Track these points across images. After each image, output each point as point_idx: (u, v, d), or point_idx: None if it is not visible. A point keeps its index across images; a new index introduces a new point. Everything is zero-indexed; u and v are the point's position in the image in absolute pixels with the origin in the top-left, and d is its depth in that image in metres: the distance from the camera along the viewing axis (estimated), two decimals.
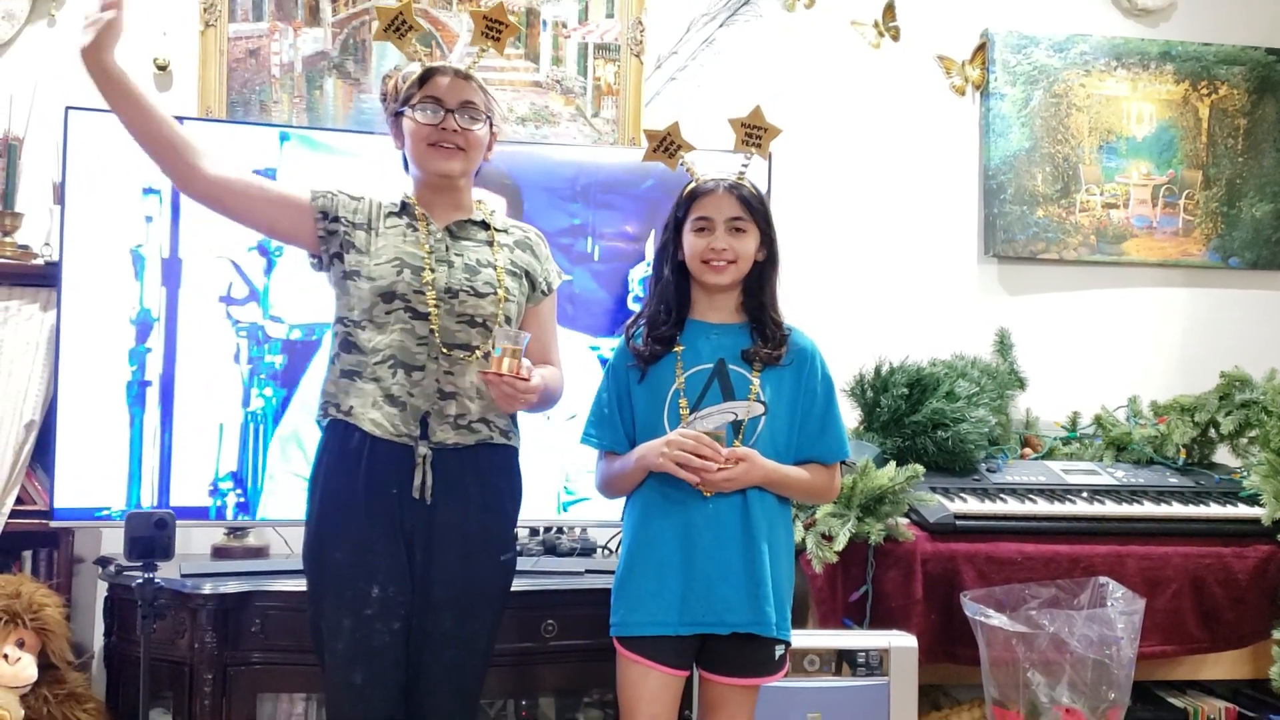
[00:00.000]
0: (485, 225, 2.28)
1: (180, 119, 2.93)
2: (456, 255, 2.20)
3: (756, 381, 2.17)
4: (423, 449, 2.12)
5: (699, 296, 2.25)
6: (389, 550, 2.11)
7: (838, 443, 2.25)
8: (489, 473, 2.20)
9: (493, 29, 2.26)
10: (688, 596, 2.13)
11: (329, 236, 2.21)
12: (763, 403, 2.17)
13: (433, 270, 2.17)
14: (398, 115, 2.23)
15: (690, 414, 2.17)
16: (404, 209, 2.24)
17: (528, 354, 2.26)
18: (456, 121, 2.18)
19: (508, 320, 2.23)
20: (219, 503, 2.91)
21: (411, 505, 2.12)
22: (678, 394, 2.18)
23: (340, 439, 2.15)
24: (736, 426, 2.16)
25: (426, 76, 2.20)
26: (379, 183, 2.31)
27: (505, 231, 2.31)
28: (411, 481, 2.12)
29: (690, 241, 2.20)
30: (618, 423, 2.25)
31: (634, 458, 2.19)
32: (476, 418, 2.17)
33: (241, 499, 2.92)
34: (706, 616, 2.13)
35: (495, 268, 2.23)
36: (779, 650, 2.19)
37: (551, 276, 2.35)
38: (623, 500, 2.29)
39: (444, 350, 2.15)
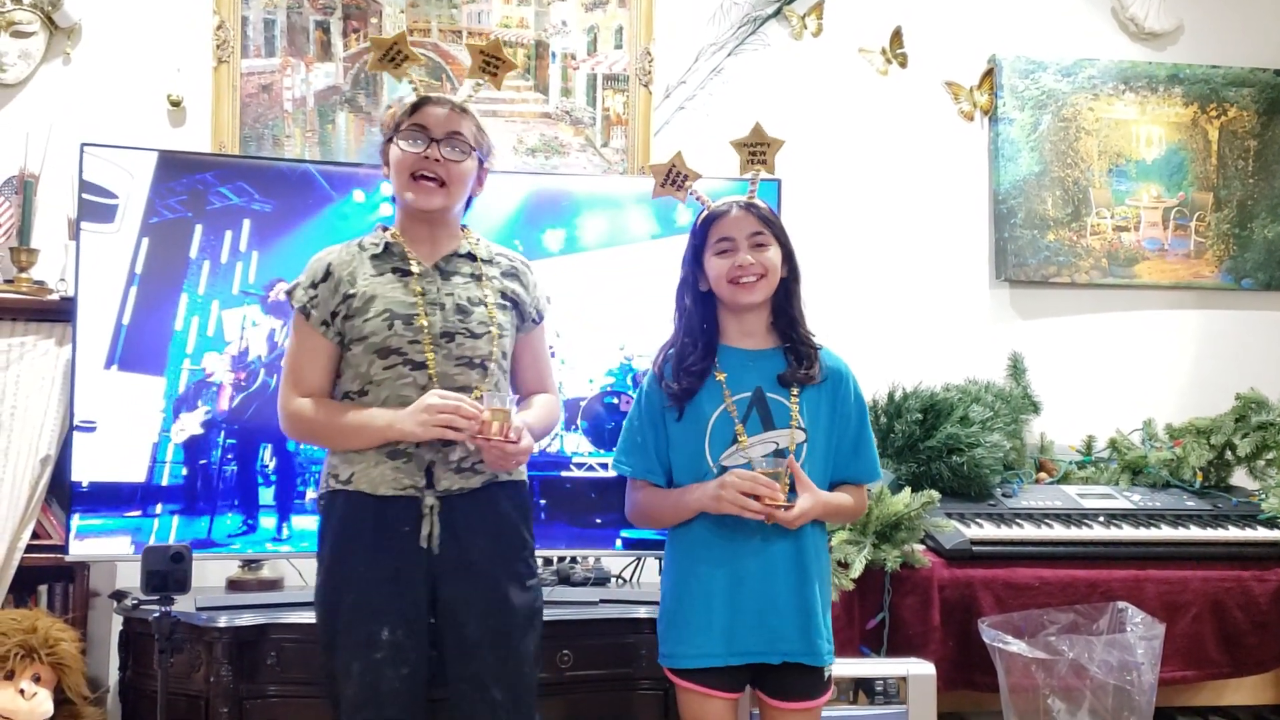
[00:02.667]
0: (473, 257, 2.25)
1: (194, 154, 2.97)
2: (448, 295, 2.18)
3: (796, 407, 2.18)
4: (429, 499, 2.12)
5: (729, 323, 2.24)
6: (399, 594, 2.10)
7: (871, 464, 2.28)
8: (503, 507, 2.19)
9: (490, 64, 2.27)
10: (737, 628, 2.14)
11: (339, 335, 2.18)
12: (803, 429, 2.17)
13: (426, 316, 2.14)
14: (388, 143, 2.20)
15: (730, 446, 2.16)
16: (387, 250, 2.20)
17: (522, 384, 2.28)
18: (440, 151, 2.14)
19: (504, 355, 2.21)
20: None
21: (424, 548, 2.12)
22: (718, 424, 2.17)
23: (343, 503, 2.14)
24: (779, 455, 2.16)
25: (419, 105, 2.17)
26: None
27: (491, 262, 2.27)
28: (419, 528, 2.11)
29: (715, 265, 2.19)
30: (651, 451, 2.24)
31: (690, 498, 2.16)
32: (480, 458, 2.15)
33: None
34: (756, 646, 2.14)
35: (486, 304, 2.20)
36: (826, 673, 2.21)
37: (541, 305, 2.33)
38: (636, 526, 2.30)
39: None
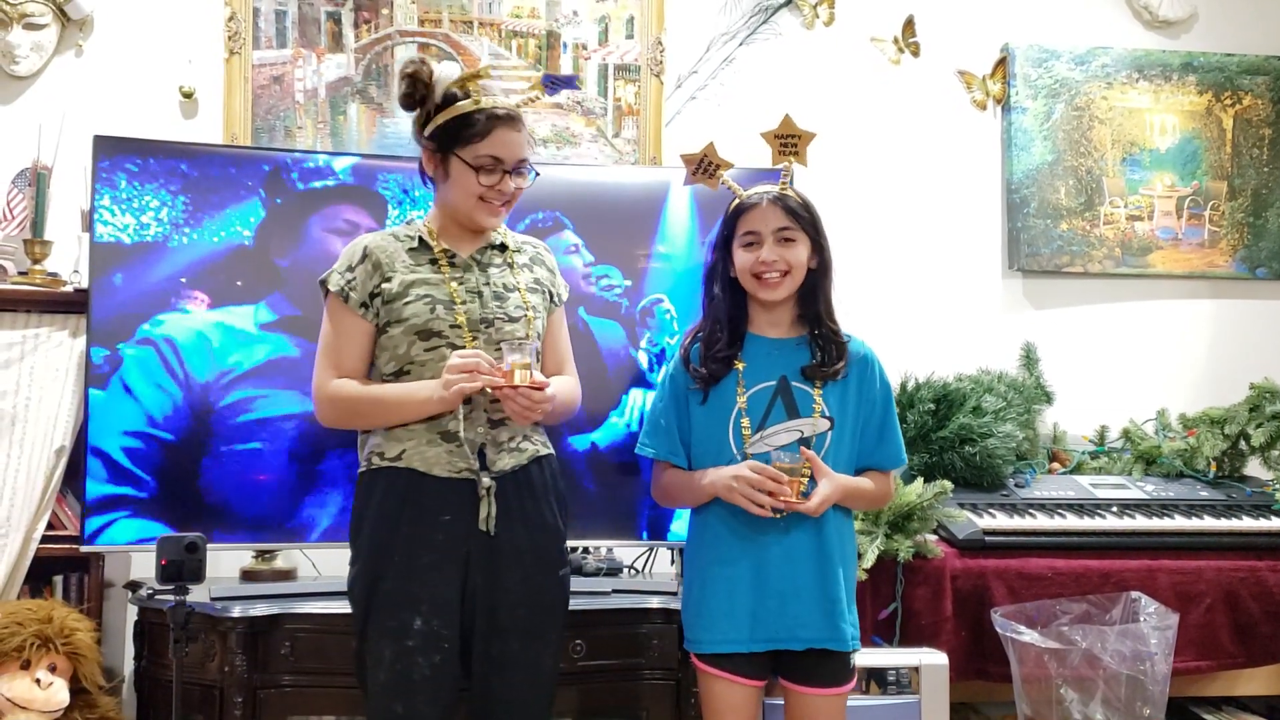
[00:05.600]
0: (504, 247, 2.29)
1: (206, 145, 2.97)
2: (485, 285, 2.21)
3: (819, 398, 2.18)
4: (486, 481, 2.13)
5: (756, 312, 2.25)
6: (436, 581, 2.11)
7: (896, 449, 2.27)
8: (540, 490, 2.20)
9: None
10: (759, 613, 2.14)
11: (377, 316, 2.19)
12: (828, 418, 2.17)
13: (465, 304, 2.17)
14: (445, 150, 2.18)
15: (754, 434, 2.17)
16: (423, 244, 2.22)
17: (545, 367, 2.28)
18: (510, 184, 2.19)
19: (538, 336, 2.24)
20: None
21: (467, 533, 2.12)
22: (740, 414, 2.18)
23: (387, 482, 2.15)
24: (804, 444, 2.16)
25: (488, 125, 2.16)
26: None
27: (520, 251, 2.32)
28: (466, 512, 2.12)
29: (740, 257, 2.20)
30: (675, 434, 2.25)
31: (704, 482, 2.18)
32: (522, 437, 2.19)
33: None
34: (779, 633, 2.15)
35: (519, 290, 2.24)
36: (851, 660, 2.21)
37: (560, 288, 2.37)
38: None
39: None
